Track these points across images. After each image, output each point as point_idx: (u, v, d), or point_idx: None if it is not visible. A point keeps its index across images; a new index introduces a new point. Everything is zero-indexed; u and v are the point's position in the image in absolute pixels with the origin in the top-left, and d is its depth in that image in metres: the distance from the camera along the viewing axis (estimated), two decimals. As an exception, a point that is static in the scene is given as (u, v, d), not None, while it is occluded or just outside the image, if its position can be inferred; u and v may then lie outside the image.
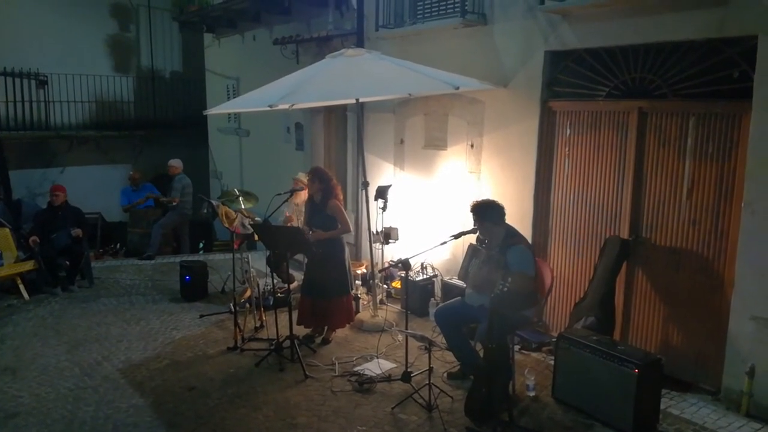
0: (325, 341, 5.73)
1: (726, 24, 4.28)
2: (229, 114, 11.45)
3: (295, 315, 5.48)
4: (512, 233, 4.63)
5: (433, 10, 6.75)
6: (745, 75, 4.30)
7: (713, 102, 4.52)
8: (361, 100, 6.30)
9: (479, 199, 4.81)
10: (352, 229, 5.59)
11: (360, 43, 7.42)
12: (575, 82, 5.46)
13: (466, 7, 6.15)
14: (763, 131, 4.16)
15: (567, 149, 5.63)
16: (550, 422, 4.32)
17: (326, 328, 5.80)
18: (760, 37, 4.10)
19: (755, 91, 4.18)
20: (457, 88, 5.33)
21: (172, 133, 13.84)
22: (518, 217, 5.46)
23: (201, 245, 10.93)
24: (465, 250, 6.09)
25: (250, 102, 6.28)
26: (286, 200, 6.14)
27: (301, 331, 5.73)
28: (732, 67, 4.39)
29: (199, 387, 4.90)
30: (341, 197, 5.76)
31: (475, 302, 4.62)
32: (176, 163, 9.35)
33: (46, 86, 12.70)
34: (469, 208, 4.68)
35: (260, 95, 5.98)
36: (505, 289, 4.00)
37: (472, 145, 6.38)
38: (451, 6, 6.47)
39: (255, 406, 4.58)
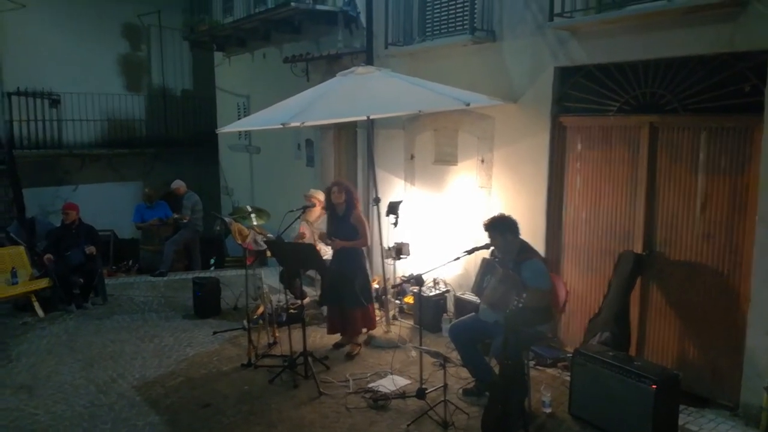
0: (349, 356, 5.77)
1: (736, 38, 4.30)
2: (240, 131, 11.55)
3: (308, 331, 5.50)
4: (526, 248, 4.64)
5: (442, 27, 6.82)
6: (756, 89, 4.31)
7: (725, 116, 4.53)
8: (371, 117, 6.36)
9: (491, 215, 4.82)
10: (369, 243, 5.75)
11: (369, 61, 7.49)
12: (585, 97, 5.48)
13: (475, 25, 6.20)
14: (775, 145, 4.17)
15: (578, 164, 5.64)
16: (567, 439, 4.30)
17: (350, 344, 5.88)
18: (771, 51, 4.13)
19: (767, 105, 4.19)
20: (468, 105, 5.36)
21: (183, 151, 13.98)
22: (530, 232, 5.45)
23: (212, 261, 10.97)
24: (477, 265, 6.12)
25: (263, 120, 6.34)
26: (299, 216, 6.17)
27: (315, 347, 5.74)
28: (743, 82, 4.40)
29: (214, 404, 4.91)
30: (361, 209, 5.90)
31: (490, 318, 4.61)
32: (180, 184, 9.49)
33: (59, 105, 12.88)
34: (483, 226, 4.69)
35: (272, 113, 6.05)
36: (520, 305, 4.00)
37: (482, 161, 6.41)
38: (460, 23, 6.53)
39: (270, 423, 4.59)
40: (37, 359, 5.89)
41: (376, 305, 6.78)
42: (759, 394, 4.27)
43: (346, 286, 5.69)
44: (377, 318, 6.51)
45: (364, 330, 6.02)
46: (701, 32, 4.49)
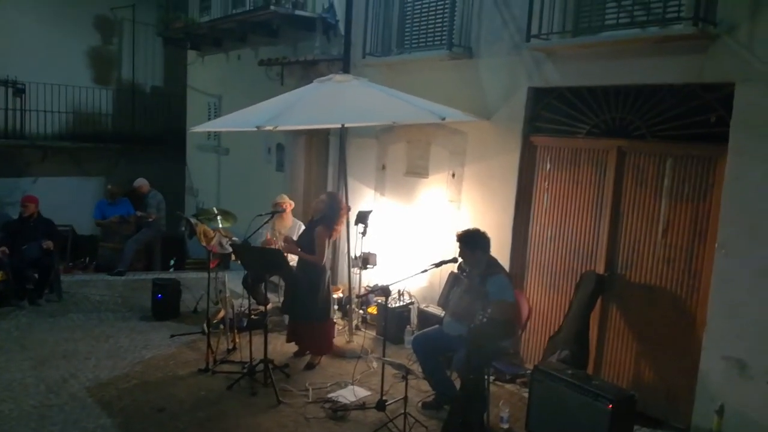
0: (310, 365, 5.68)
1: (705, 71, 4.44)
2: (209, 132, 11.39)
3: (270, 338, 5.42)
4: (493, 264, 4.68)
5: (420, 41, 6.87)
6: (721, 120, 4.44)
7: (690, 144, 4.66)
8: (346, 125, 6.35)
9: (466, 228, 4.84)
10: (323, 262, 5.58)
11: (346, 69, 7.47)
12: (557, 118, 5.58)
13: (453, 40, 6.26)
14: (737, 175, 4.30)
15: (546, 184, 5.73)
16: (524, 455, 4.32)
17: (308, 352, 5.79)
18: (737, 85, 4.26)
19: (731, 136, 4.33)
20: (444, 119, 5.40)
21: (150, 148, 13.69)
22: (496, 248, 5.48)
23: (172, 262, 10.74)
24: (442, 278, 6.14)
25: (238, 122, 6.27)
26: (267, 221, 6.10)
27: (275, 355, 5.66)
28: (710, 112, 4.54)
29: (169, 409, 4.78)
30: (339, 231, 5.79)
31: (454, 331, 4.62)
32: (143, 182, 9.28)
33: (23, 95, 12.50)
34: (456, 237, 4.71)
35: (248, 115, 5.99)
36: (485, 320, 4.02)
37: (453, 175, 6.46)
38: (439, 38, 6.59)
39: (226, 430, 4.49)
40: (-16, 355, 5.68)
41: (340, 314, 6.74)
42: (710, 418, 4.36)
43: (304, 299, 5.55)
44: (340, 327, 6.47)
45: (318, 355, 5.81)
46: (672, 62, 4.62)
